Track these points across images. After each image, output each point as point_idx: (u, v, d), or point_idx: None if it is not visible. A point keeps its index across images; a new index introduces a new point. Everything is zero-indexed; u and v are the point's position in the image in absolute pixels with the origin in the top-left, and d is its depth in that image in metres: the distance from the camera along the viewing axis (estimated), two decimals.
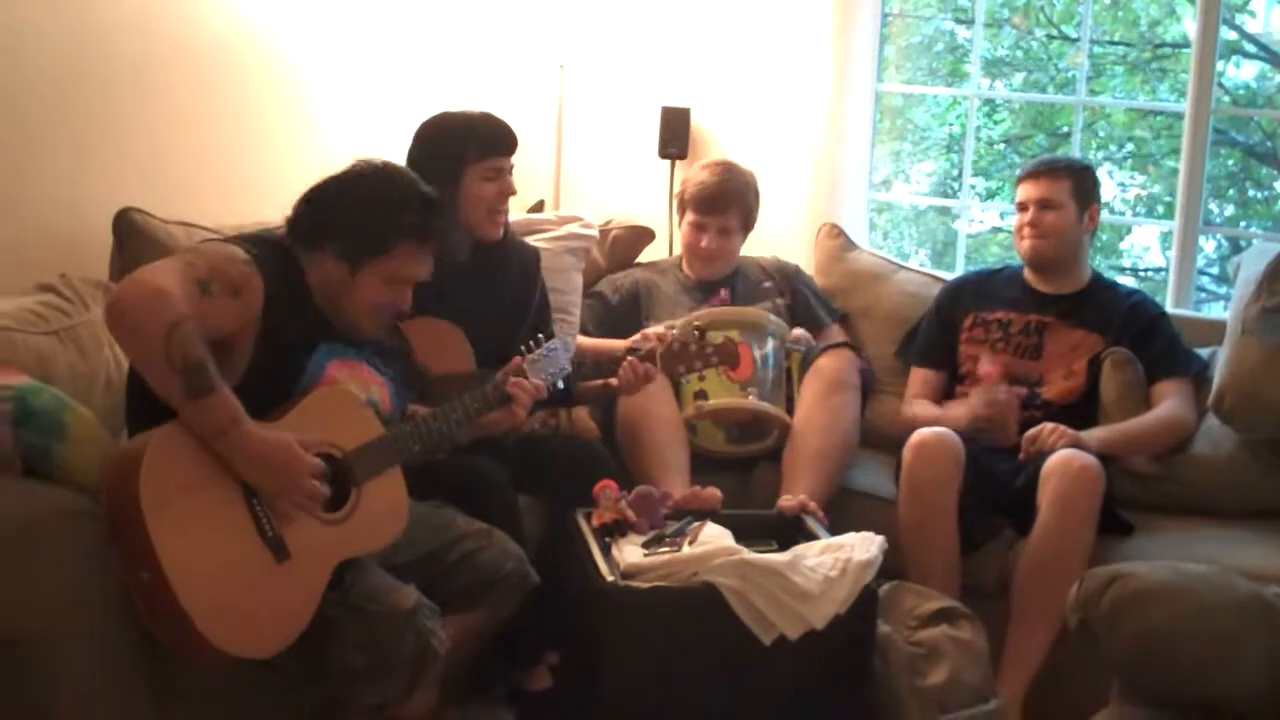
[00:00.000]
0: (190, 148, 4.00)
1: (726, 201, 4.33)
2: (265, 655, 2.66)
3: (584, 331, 4.29)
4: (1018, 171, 4.30)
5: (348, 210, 2.92)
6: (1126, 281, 4.95)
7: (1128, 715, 2.47)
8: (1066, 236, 4.10)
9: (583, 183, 5.17)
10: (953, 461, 3.68)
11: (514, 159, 3.71)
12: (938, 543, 3.65)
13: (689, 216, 4.38)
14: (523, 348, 3.36)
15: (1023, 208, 4.13)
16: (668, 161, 5.07)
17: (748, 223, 4.41)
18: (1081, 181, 4.13)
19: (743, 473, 4.05)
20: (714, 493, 3.59)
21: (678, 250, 4.62)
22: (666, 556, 3.18)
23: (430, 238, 2.98)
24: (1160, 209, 6.79)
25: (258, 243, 2.86)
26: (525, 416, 3.28)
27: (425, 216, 2.96)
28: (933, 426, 3.81)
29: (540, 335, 3.44)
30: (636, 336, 4.02)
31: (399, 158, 3.54)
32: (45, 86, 3.59)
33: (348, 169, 2.99)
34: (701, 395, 3.99)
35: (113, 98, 3.77)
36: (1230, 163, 6.89)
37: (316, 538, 2.75)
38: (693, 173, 4.48)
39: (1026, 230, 4.11)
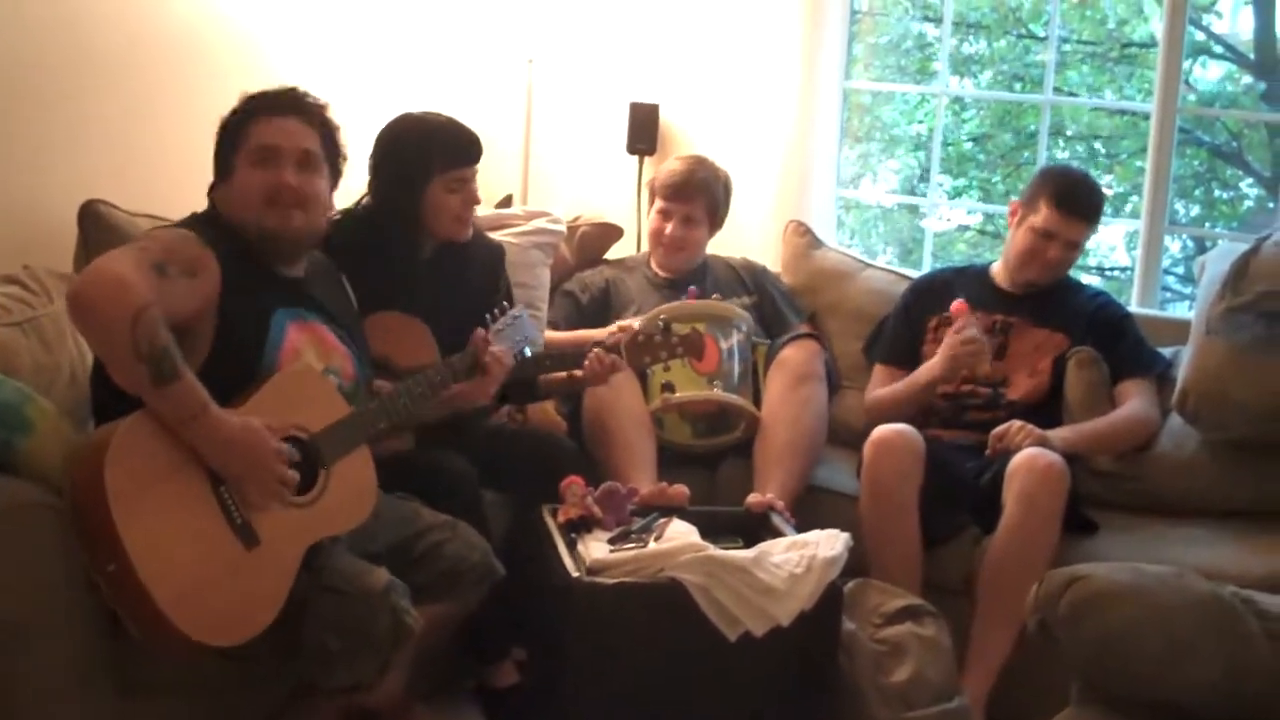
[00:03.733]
0: (156, 139, 3.97)
1: (694, 190, 4.34)
2: (237, 642, 2.65)
3: (554, 329, 4.28)
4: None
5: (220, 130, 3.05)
6: (1092, 281, 4.97)
7: (1088, 717, 2.48)
8: (1069, 268, 4.16)
9: (551, 178, 5.16)
10: (913, 457, 3.69)
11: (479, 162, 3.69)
12: (898, 539, 3.65)
13: (657, 204, 4.40)
14: (487, 316, 3.37)
15: (1048, 236, 4.01)
16: (636, 158, 5.07)
17: (715, 216, 4.41)
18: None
19: (709, 469, 4.05)
20: (680, 489, 3.59)
21: (646, 247, 4.62)
22: (632, 552, 3.18)
23: (274, 108, 3.05)
24: (1126, 208, 6.83)
25: (199, 223, 2.91)
26: (494, 390, 3.28)
27: (265, 95, 3.07)
28: (900, 403, 3.92)
29: (505, 303, 3.45)
30: (613, 328, 4.01)
31: (366, 151, 3.54)
32: (8, 76, 3.56)
33: None
34: (668, 388, 4.00)
35: (78, 88, 3.75)
36: (1196, 163, 6.92)
37: (286, 521, 2.75)
38: (666, 163, 4.52)
39: (1046, 261, 4.04)
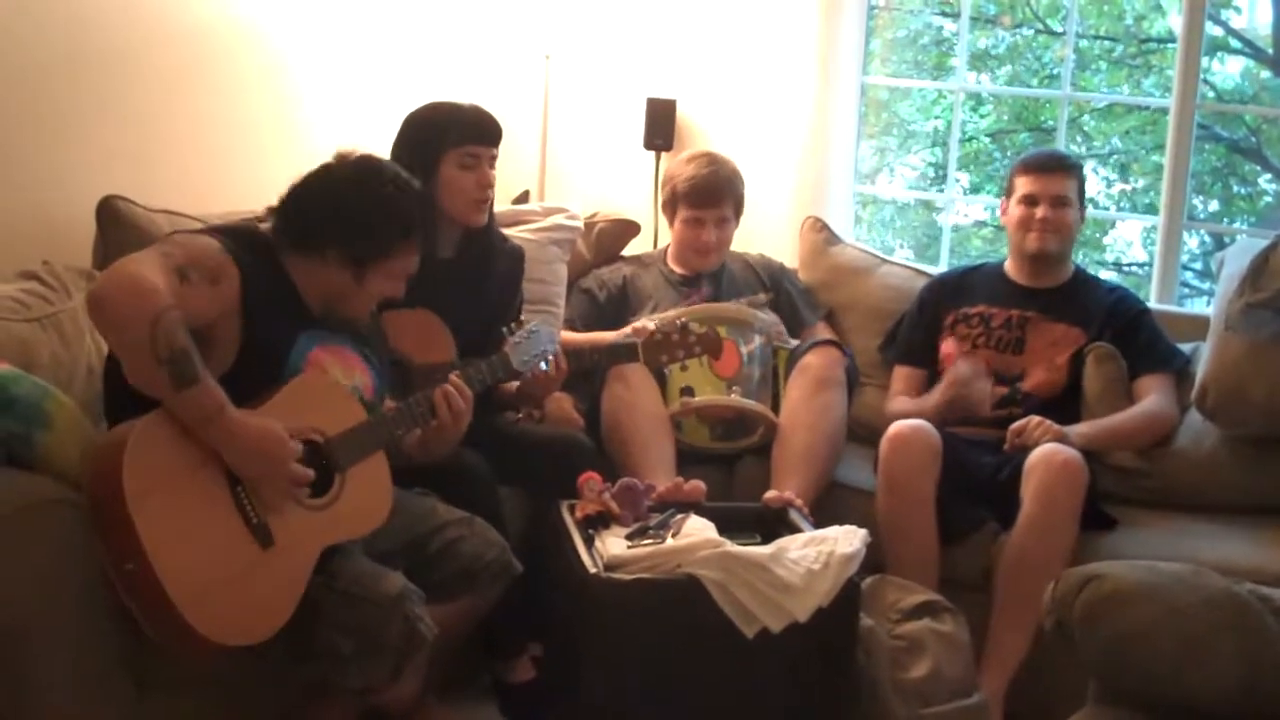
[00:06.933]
0: (174, 135, 3.99)
1: (721, 192, 4.31)
2: (252, 642, 2.66)
3: (571, 328, 4.27)
4: (1012, 161, 4.32)
5: (347, 218, 2.94)
6: (1109, 276, 4.94)
7: (1104, 717, 2.47)
8: (1072, 233, 4.15)
9: (568, 174, 5.16)
10: (929, 453, 3.68)
11: (498, 151, 3.66)
12: (915, 535, 3.65)
13: (683, 213, 4.34)
14: (505, 330, 3.37)
15: (1031, 201, 4.09)
16: (653, 153, 5.06)
17: (739, 210, 4.41)
18: (1082, 180, 4.17)
19: (727, 466, 4.04)
20: (698, 485, 3.58)
21: (663, 243, 4.61)
22: (650, 548, 3.18)
23: (421, 230, 3.04)
24: (1143, 204, 6.81)
25: (229, 234, 2.87)
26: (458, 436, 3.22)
27: (419, 212, 3.02)
28: (912, 418, 3.81)
29: (521, 319, 3.45)
30: (627, 330, 4.00)
31: (383, 147, 3.53)
32: (28, 73, 3.57)
33: (332, 167, 3.00)
34: (688, 392, 3.98)
35: (97, 84, 3.76)
36: (1214, 159, 6.90)
37: (301, 524, 2.76)
38: (677, 167, 4.43)
39: (1038, 225, 4.08)
